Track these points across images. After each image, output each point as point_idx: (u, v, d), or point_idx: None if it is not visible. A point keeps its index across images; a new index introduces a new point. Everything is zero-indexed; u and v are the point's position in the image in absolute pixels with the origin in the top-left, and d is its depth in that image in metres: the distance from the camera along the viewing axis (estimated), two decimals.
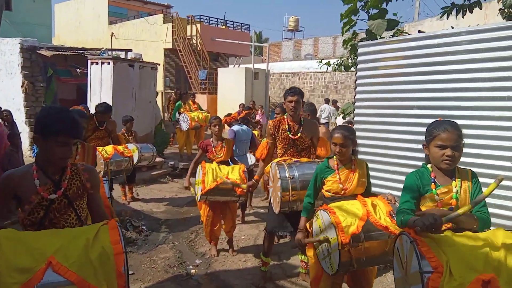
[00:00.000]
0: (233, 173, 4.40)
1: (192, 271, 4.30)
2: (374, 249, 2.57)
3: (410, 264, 1.86)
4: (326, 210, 2.70)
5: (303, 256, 3.95)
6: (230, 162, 4.85)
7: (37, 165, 1.97)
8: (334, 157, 2.99)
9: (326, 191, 2.95)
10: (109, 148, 5.57)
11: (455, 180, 2.14)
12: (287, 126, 3.83)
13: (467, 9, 5.97)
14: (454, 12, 6.12)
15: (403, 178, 4.63)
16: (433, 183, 2.14)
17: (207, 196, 4.37)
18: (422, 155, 4.65)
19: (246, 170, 4.58)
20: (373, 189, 3.23)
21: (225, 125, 7.47)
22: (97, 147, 5.18)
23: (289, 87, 3.88)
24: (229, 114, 8.35)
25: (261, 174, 4.13)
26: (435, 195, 2.11)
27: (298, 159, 3.74)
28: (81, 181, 2.03)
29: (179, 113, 9.98)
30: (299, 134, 3.80)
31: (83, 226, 1.99)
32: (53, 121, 1.87)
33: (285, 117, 3.88)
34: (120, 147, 5.82)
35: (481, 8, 6.13)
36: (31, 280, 1.59)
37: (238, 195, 4.40)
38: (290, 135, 3.80)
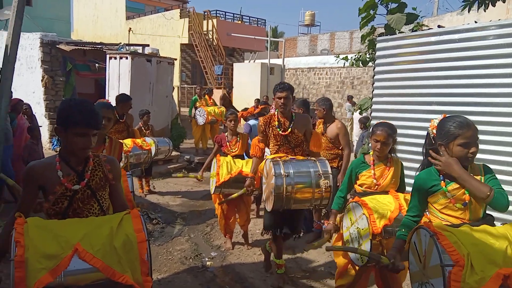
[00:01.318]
0: (248, 166, 4.40)
1: (208, 263, 4.35)
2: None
3: (430, 257, 1.86)
4: (358, 202, 2.75)
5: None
6: (245, 156, 4.88)
7: (60, 157, 2.01)
8: (371, 152, 3.02)
9: (358, 185, 3.00)
10: (128, 141, 5.68)
11: None
12: (277, 122, 3.71)
13: (490, 3, 5.83)
14: (475, 6, 5.99)
15: None
16: (442, 181, 2.13)
17: (221, 189, 4.39)
18: None
19: None
20: None
21: (241, 119, 7.49)
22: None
23: (278, 83, 3.72)
24: (246, 109, 8.36)
25: (255, 171, 4.04)
26: (446, 192, 2.10)
27: (294, 157, 3.65)
28: (103, 172, 2.08)
29: (195, 108, 10.05)
30: (289, 130, 3.68)
31: (106, 215, 2.04)
32: (72, 112, 1.91)
33: (276, 113, 3.77)
34: (138, 141, 5.94)
35: (504, 1, 5.99)
36: (59, 266, 1.64)
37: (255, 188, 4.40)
38: (280, 132, 3.69)
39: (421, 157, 4.55)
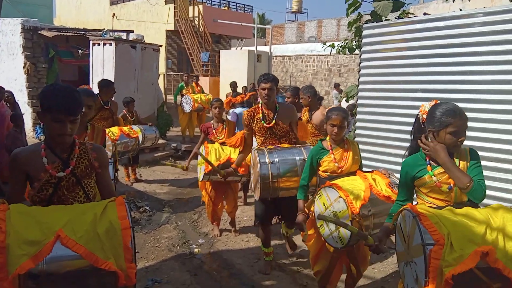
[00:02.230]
0: (236, 153, 4.39)
1: (195, 250, 4.37)
2: (380, 219, 2.66)
3: (413, 237, 1.92)
4: (331, 187, 2.77)
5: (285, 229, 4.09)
6: None
7: (45, 144, 1.99)
8: (327, 138, 3.07)
9: (322, 171, 3.04)
10: (115, 130, 5.65)
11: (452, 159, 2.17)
12: (261, 115, 3.70)
13: None
14: None
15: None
16: (428, 165, 2.18)
17: (210, 176, 4.39)
18: None
19: None
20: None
21: (230, 105, 7.41)
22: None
23: (263, 74, 3.71)
24: (236, 94, 8.25)
25: (239, 163, 4.04)
26: (432, 176, 2.16)
27: (278, 145, 3.67)
28: (89, 160, 2.05)
29: (182, 95, 9.96)
30: (273, 122, 3.67)
31: (91, 202, 2.02)
32: (49, 97, 1.89)
33: (260, 105, 3.75)
34: (125, 128, 5.91)
35: None
36: (41, 252, 1.62)
37: (241, 175, 4.40)
38: (264, 124, 3.68)
39: (406, 144, 4.62)
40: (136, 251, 4.32)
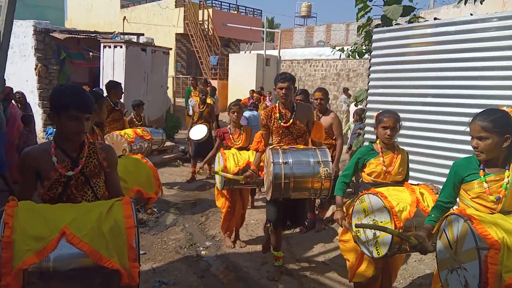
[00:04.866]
0: (254, 156, 4.31)
1: (202, 252, 4.37)
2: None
3: (463, 242, 1.87)
4: (376, 194, 2.65)
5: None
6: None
7: (55, 143, 2.01)
8: (378, 141, 2.97)
9: (367, 174, 2.95)
10: (130, 132, 5.72)
11: (508, 170, 2.12)
12: (278, 114, 3.66)
13: None
14: None
15: (416, 166, 4.57)
16: (482, 170, 2.14)
17: (230, 185, 4.26)
18: (436, 143, 4.59)
19: None
20: None
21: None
22: (117, 131, 5.33)
23: (280, 73, 3.66)
24: (239, 100, 8.27)
25: (257, 164, 3.97)
26: (484, 182, 2.11)
27: (293, 146, 3.62)
28: (98, 159, 2.07)
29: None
30: (291, 121, 3.63)
31: (98, 201, 2.03)
32: (64, 96, 1.92)
33: (277, 105, 3.72)
34: (139, 131, 6.00)
35: None
36: (46, 248, 1.64)
37: (262, 178, 4.19)
38: (281, 124, 3.64)
39: (416, 149, 4.58)
40: (143, 252, 4.33)
